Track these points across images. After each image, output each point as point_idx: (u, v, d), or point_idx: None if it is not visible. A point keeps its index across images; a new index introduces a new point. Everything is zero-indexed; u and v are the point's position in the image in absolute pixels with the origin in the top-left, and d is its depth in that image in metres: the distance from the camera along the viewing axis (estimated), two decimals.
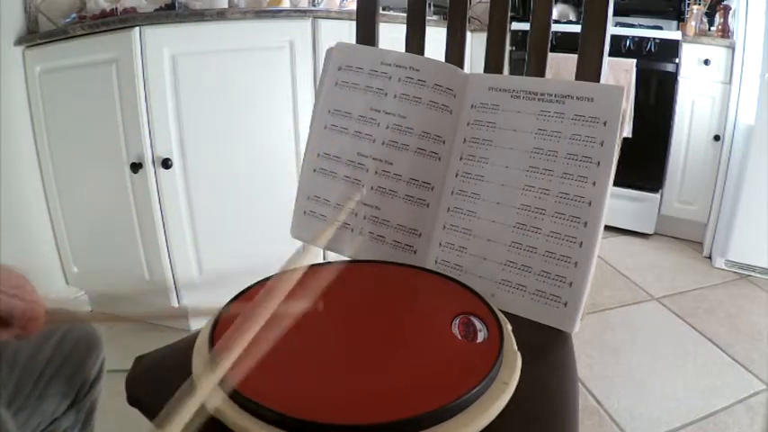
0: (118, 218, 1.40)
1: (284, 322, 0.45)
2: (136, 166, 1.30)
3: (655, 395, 1.24)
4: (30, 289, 0.45)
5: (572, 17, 2.36)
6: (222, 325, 0.51)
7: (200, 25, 1.32)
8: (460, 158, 0.66)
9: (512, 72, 0.73)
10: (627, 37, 2.01)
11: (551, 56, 0.69)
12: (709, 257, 2.00)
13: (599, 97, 0.59)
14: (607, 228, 2.09)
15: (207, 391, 0.34)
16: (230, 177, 1.43)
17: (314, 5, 1.98)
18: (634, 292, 1.76)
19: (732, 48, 1.87)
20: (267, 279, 0.60)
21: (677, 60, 1.97)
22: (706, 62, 1.93)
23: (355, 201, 0.69)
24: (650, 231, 2.19)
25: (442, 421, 0.40)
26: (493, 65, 0.71)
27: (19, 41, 1.40)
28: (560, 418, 0.46)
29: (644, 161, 2.11)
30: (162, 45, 1.25)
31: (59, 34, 1.32)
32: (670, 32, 2.00)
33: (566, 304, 0.58)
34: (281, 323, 0.45)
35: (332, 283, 0.61)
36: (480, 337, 0.50)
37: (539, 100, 0.62)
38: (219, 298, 0.57)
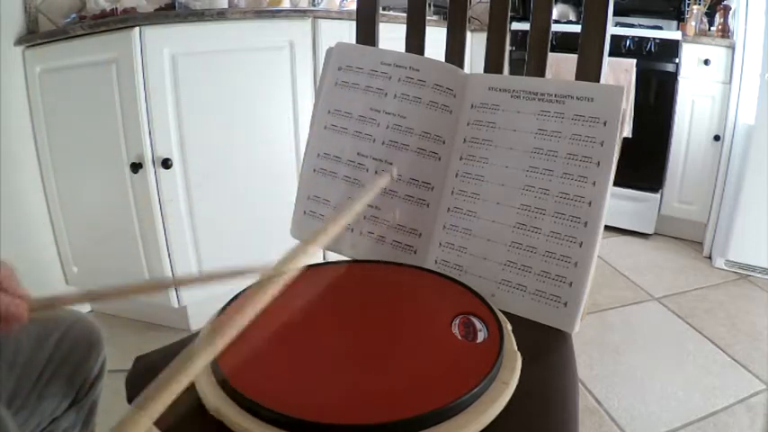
0: (118, 218, 1.40)
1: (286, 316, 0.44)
2: (136, 166, 1.30)
3: (655, 395, 1.24)
4: (14, 282, 0.45)
5: (572, 17, 2.36)
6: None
7: (200, 25, 1.31)
8: (460, 158, 0.66)
9: (512, 72, 0.73)
10: (627, 37, 2.01)
11: (551, 56, 0.69)
12: (710, 257, 2.00)
13: (599, 97, 0.59)
14: (607, 228, 2.09)
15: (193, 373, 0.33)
16: (230, 177, 1.43)
17: (314, 5, 1.98)
18: (634, 292, 1.76)
19: (732, 48, 1.87)
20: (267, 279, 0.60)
21: (677, 60, 1.97)
22: (706, 62, 1.93)
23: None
24: (650, 231, 2.19)
25: (441, 421, 0.40)
26: (493, 65, 0.71)
27: (19, 41, 1.40)
28: (560, 418, 0.46)
29: (644, 161, 2.11)
30: (162, 45, 1.25)
31: (59, 34, 1.32)
32: (670, 32, 2.00)
33: (566, 304, 0.58)
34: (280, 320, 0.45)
35: (332, 283, 0.61)
36: (480, 337, 0.50)
37: (539, 100, 0.62)
38: (219, 298, 0.57)
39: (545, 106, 0.62)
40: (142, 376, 0.53)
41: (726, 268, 1.90)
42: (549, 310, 0.58)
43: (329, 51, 0.75)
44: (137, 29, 1.21)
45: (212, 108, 1.36)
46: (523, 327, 0.55)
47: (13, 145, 1.42)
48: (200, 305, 1.48)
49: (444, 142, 0.67)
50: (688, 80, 1.99)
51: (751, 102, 1.79)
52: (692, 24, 2.05)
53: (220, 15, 1.33)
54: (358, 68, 0.73)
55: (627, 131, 2.05)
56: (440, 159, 0.67)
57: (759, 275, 1.84)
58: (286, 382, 0.44)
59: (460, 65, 0.73)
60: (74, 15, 1.48)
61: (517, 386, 0.45)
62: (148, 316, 1.55)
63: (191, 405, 0.44)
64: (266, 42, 1.43)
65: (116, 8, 1.41)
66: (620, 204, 2.16)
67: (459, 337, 0.50)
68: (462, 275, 0.63)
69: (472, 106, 0.66)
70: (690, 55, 1.96)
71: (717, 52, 1.91)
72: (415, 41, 0.77)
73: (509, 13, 0.71)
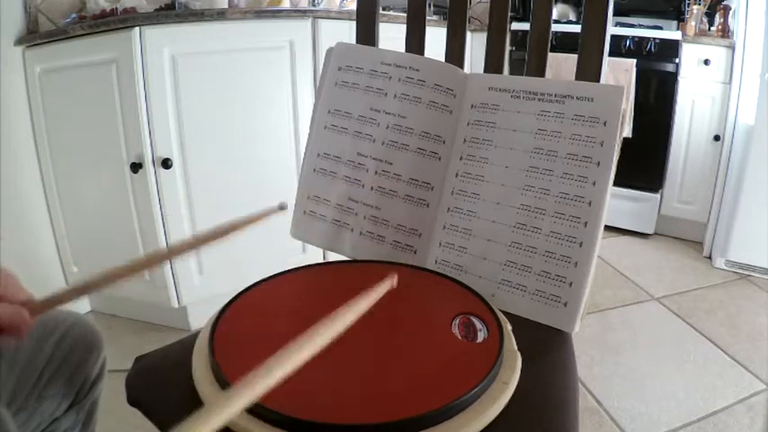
0: (118, 218, 1.40)
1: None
2: (136, 166, 1.30)
3: (655, 395, 1.24)
4: (15, 288, 0.44)
5: (572, 17, 2.36)
6: (223, 325, 0.51)
7: (200, 25, 1.32)
8: (460, 158, 0.66)
9: (512, 72, 0.73)
10: (627, 37, 2.01)
11: (551, 56, 0.69)
12: (710, 257, 2.00)
13: (599, 97, 0.59)
14: (607, 228, 2.09)
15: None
16: (230, 177, 1.43)
17: (314, 5, 1.98)
18: (634, 292, 1.76)
19: (732, 48, 1.87)
20: (267, 279, 0.60)
21: (677, 60, 1.97)
22: (706, 62, 1.93)
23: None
24: (650, 231, 2.19)
25: (441, 421, 0.40)
26: (493, 65, 0.71)
27: (19, 41, 1.40)
28: (560, 418, 0.46)
29: (644, 161, 2.11)
30: (162, 45, 1.25)
31: (59, 34, 1.32)
32: (670, 32, 2.00)
33: (566, 304, 0.58)
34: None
35: (332, 282, 0.61)
36: (480, 337, 0.50)
37: (539, 100, 0.62)
38: (219, 298, 0.57)
39: (545, 106, 0.62)
40: (142, 376, 0.53)
41: (726, 268, 1.90)
42: (549, 310, 0.58)
43: (329, 51, 0.75)
44: (137, 29, 1.21)
45: (212, 108, 1.36)
46: (523, 327, 0.55)
47: (13, 145, 1.42)
48: (201, 305, 1.48)
49: (444, 142, 0.67)
50: (688, 80, 1.99)
51: (751, 102, 1.79)
52: (692, 24, 2.05)
53: (220, 15, 1.33)
54: (358, 68, 0.73)
55: (627, 131, 2.05)
56: (440, 159, 0.67)
57: (759, 275, 1.84)
58: (286, 383, 0.44)
59: (460, 65, 0.73)
60: (74, 15, 1.48)
61: (517, 386, 0.45)
62: (148, 316, 1.55)
63: (191, 406, 0.44)
64: (266, 42, 1.43)
65: (116, 8, 1.41)
66: (620, 204, 2.16)
67: (460, 337, 0.50)
68: (462, 275, 0.63)
69: (472, 106, 0.66)
70: (690, 55, 1.96)
71: (717, 52, 1.91)
72: (415, 41, 0.77)
73: (509, 13, 0.71)
